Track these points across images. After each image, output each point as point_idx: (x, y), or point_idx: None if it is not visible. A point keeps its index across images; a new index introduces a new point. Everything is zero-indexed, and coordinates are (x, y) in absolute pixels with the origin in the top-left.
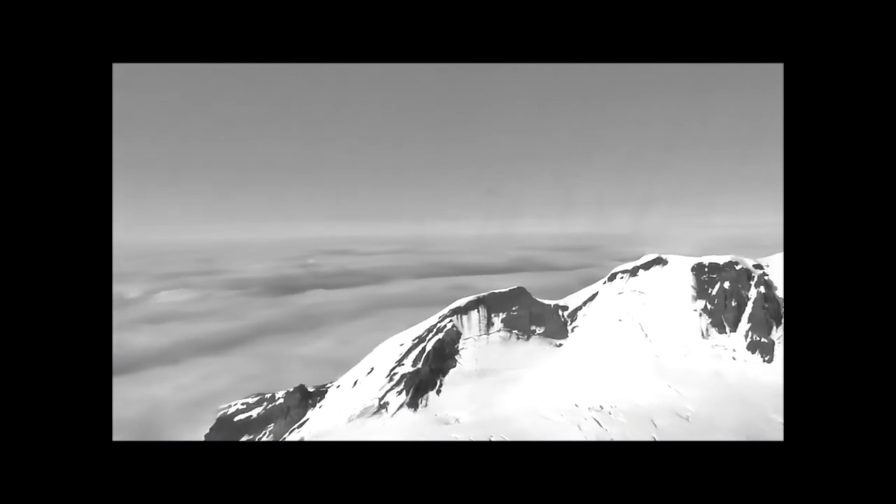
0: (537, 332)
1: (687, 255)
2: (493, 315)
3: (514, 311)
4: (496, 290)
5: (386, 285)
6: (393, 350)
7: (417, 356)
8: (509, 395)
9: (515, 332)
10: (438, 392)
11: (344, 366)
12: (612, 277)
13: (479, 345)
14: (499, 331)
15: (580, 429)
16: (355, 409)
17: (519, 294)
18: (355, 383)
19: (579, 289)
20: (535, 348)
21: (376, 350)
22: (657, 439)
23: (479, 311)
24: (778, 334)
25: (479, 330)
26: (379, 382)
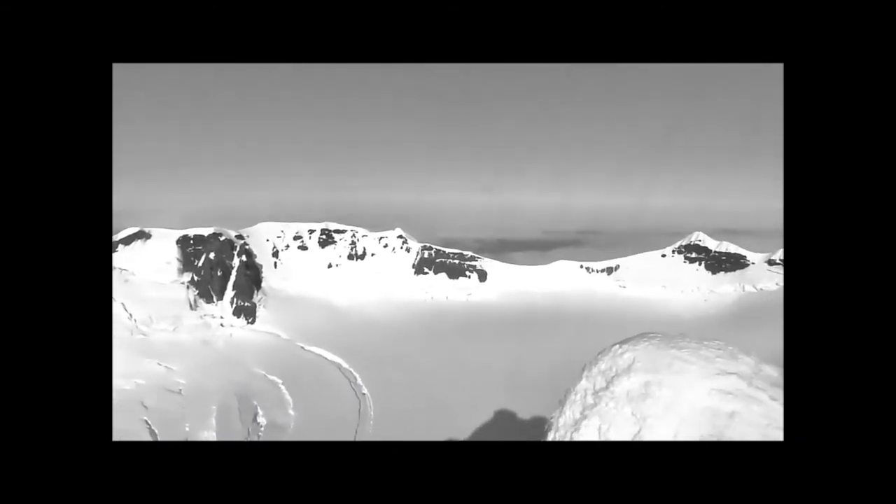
0: None
1: (171, 228)
2: None
3: None
4: None
5: None
6: None
7: None
8: None
9: None
10: None
11: None
12: None
13: None
14: None
15: None
16: None
17: None
18: None
19: None
20: None
21: None
22: (148, 420)
23: None
24: (258, 297)
25: None
26: None
